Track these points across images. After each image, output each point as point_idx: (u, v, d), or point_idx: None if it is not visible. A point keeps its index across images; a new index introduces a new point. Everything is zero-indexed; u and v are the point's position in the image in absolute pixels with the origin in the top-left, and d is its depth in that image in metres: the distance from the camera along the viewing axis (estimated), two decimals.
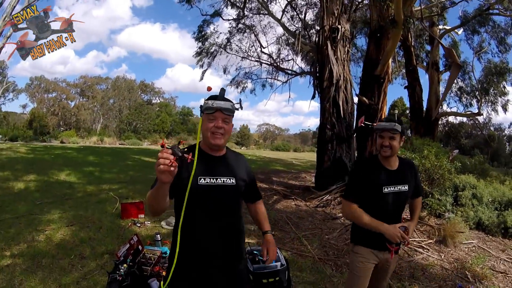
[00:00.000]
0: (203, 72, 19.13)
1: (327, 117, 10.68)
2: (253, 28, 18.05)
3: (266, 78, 19.38)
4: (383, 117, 9.83)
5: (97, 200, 8.13)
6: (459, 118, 29.90)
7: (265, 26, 18.26)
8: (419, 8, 13.03)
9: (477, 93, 19.39)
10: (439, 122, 18.99)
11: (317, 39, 12.13)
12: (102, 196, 8.55)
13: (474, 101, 20.25)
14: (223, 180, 2.15)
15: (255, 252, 3.35)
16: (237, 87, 19.77)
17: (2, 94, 51.22)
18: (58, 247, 5.12)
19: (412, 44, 16.72)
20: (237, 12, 17.57)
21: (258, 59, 18.63)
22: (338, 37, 10.91)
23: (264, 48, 18.52)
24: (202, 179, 2.08)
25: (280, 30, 17.77)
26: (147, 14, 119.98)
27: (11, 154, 15.72)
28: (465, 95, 20.84)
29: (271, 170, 17.80)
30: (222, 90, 2.15)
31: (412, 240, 6.16)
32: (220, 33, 18.48)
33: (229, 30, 18.22)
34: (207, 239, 2.10)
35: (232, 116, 2.15)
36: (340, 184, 9.64)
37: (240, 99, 2.18)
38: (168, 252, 4.69)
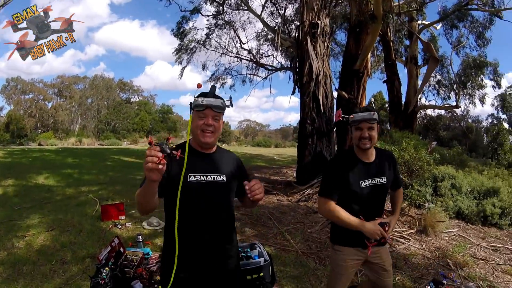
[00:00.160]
0: (182, 69, 19.00)
1: (307, 112, 10.73)
2: (233, 24, 18.00)
3: (246, 74, 19.36)
4: None
5: (76, 203, 8.00)
6: (437, 111, 30.51)
7: (245, 21, 18.23)
8: (398, 3, 13.16)
9: (455, 86, 19.74)
10: (418, 115, 19.24)
11: (296, 35, 12.19)
12: (81, 199, 8.42)
13: (452, 94, 20.62)
14: (213, 177, 2.13)
15: (238, 249, 3.35)
16: (216, 83, 19.65)
17: None
18: (39, 253, 5.02)
19: (391, 39, 16.90)
20: (216, 9, 17.49)
21: (237, 55, 18.59)
22: (318, 33, 10.95)
23: (243, 44, 18.50)
24: (192, 176, 2.05)
25: (259, 25, 17.73)
26: (126, 11, 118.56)
27: None
28: (443, 89, 21.20)
29: (253, 166, 17.83)
30: (213, 87, 2.12)
31: (393, 231, 6.24)
32: (199, 29, 18.34)
33: (207, 26, 18.11)
34: (198, 237, 2.08)
35: (222, 113, 2.12)
36: (321, 178, 9.70)
37: (230, 96, 2.16)
38: (150, 253, 4.66)
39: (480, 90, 19.71)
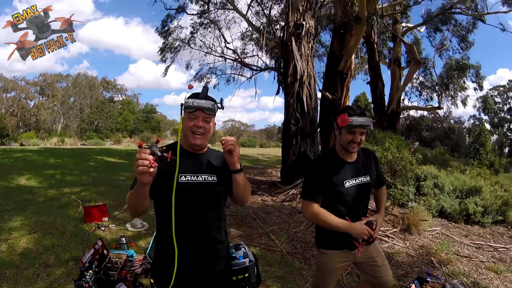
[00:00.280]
0: (167, 68, 18.94)
1: (291, 112, 10.79)
2: (218, 23, 17.96)
3: (231, 73, 19.37)
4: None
5: (59, 205, 7.87)
6: (420, 112, 30.83)
7: (230, 21, 18.22)
8: (384, 5, 13.29)
9: (437, 88, 20.02)
10: (401, 116, 19.45)
11: (281, 35, 12.22)
12: (64, 200, 8.29)
13: (434, 96, 20.92)
14: (204, 178, 2.13)
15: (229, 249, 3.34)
16: (200, 82, 19.62)
17: None
18: (22, 257, 4.93)
19: (375, 40, 17.07)
20: (201, 9, 17.42)
21: (222, 55, 18.56)
22: (303, 33, 11.01)
23: (228, 43, 18.49)
24: (183, 177, 2.05)
25: (244, 25, 17.75)
26: (110, 8, 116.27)
27: None
28: (426, 90, 21.51)
29: None
30: (205, 89, 2.12)
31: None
32: (184, 28, 18.27)
33: (192, 25, 18.04)
34: (190, 237, 2.07)
35: (213, 115, 2.11)
36: (304, 180, 9.76)
37: (221, 98, 2.15)
38: (134, 255, 4.64)
39: (462, 92, 20.02)
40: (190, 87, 2.02)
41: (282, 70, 12.04)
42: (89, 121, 55.84)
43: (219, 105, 2.11)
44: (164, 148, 1.70)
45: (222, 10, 17.71)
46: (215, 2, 17.30)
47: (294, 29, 11.08)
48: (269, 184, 11.30)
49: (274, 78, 15.00)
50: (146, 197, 1.83)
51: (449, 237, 6.59)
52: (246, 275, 3.32)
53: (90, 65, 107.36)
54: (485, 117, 55.45)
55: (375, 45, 16.76)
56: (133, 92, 78.94)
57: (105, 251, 4.20)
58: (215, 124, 2.20)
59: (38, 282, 4.21)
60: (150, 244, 4.28)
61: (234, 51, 18.70)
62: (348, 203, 2.64)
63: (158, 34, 17.98)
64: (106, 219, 6.67)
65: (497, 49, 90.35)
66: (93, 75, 62.10)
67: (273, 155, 28.58)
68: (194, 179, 2.08)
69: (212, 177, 2.15)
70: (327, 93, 10.14)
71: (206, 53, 18.59)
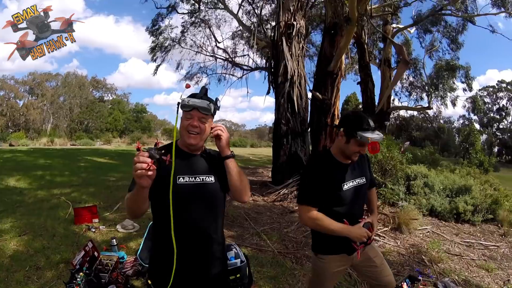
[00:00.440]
0: (157, 67, 18.89)
1: (282, 112, 10.81)
2: (208, 22, 17.96)
3: (222, 73, 19.33)
4: (336, 112, 10.00)
5: (49, 206, 7.78)
6: (410, 112, 31.08)
7: (220, 20, 18.26)
8: (374, 6, 13.37)
9: (427, 88, 20.18)
10: (391, 116, 19.57)
11: (272, 35, 12.23)
12: (54, 202, 8.19)
13: (424, 96, 21.11)
14: (202, 178, 2.11)
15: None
16: (191, 81, 19.60)
17: None
18: (12, 259, 4.86)
19: (366, 41, 17.19)
20: (192, 8, 17.41)
21: (213, 54, 18.57)
22: (293, 33, 11.04)
23: (219, 42, 18.50)
24: (181, 178, 2.04)
25: (235, 24, 17.80)
26: (101, 6, 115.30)
27: None
28: (415, 90, 21.69)
29: None
30: (203, 89, 2.11)
31: None
32: (175, 27, 18.31)
33: (183, 24, 18.04)
34: (189, 238, 2.06)
35: (209, 115, 2.07)
36: (296, 178, 9.80)
37: (217, 98, 2.14)
38: (125, 257, 4.61)
39: (452, 92, 20.20)
40: (188, 86, 2.02)
41: (272, 70, 12.04)
42: (79, 121, 55.47)
43: (214, 105, 2.09)
44: (162, 152, 1.68)
45: (213, 9, 17.72)
46: (206, 1, 17.30)
47: (285, 29, 11.11)
48: (260, 184, 11.31)
49: (265, 78, 15.01)
50: (145, 200, 1.83)
51: (440, 235, 6.66)
52: (238, 275, 3.34)
53: (80, 64, 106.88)
54: (475, 117, 56.11)
55: (365, 46, 16.88)
56: (123, 91, 78.57)
57: (95, 253, 4.16)
58: (214, 125, 2.17)
59: (29, 285, 4.15)
60: (141, 246, 4.27)
61: (225, 51, 18.70)
62: (346, 206, 2.60)
63: (149, 33, 18.01)
64: (96, 220, 6.59)
65: (487, 50, 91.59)
66: (83, 74, 61.57)
67: (264, 155, 28.58)
68: (192, 180, 2.07)
69: (210, 177, 2.14)
70: (318, 93, 10.17)
71: (197, 52, 18.61)
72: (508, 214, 7.54)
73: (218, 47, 18.61)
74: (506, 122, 58.55)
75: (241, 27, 17.04)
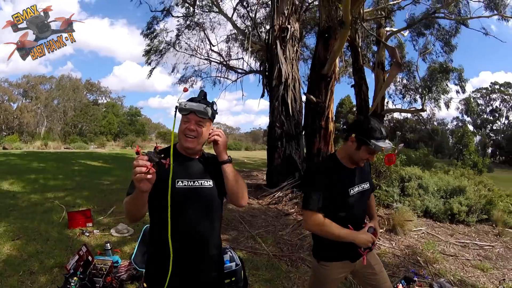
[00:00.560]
0: (151, 70, 18.89)
1: (276, 115, 10.83)
2: (203, 25, 17.99)
3: (216, 76, 19.35)
4: (330, 115, 10.03)
5: (43, 210, 7.72)
6: (404, 114, 31.21)
7: (215, 23, 18.29)
8: (368, 10, 13.42)
9: (420, 90, 20.27)
10: (385, 118, 19.67)
11: (267, 38, 12.26)
12: (47, 205, 8.14)
13: (418, 98, 21.20)
14: (201, 182, 2.11)
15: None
16: (186, 84, 19.69)
17: None
18: (5, 263, 4.83)
19: (360, 44, 17.22)
20: (186, 11, 17.43)
21: (207, 57, 18.60)
22: (288, 37, 11.07)
23: (213, 46, 18.53)
24: (180, 182, 2.03)
25: (230, 27, 17.81)
26: (96, 8, 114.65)
27: None
28: (409, 93, 21.79)
29: None
30: (201, 92, 2.11)
31: None
32: (170, 31, 18.25)
33: (178, 27, 18.05)
34: (185, 242, 2.05)
35: (206, 119, 2.07)
36: (291, 181, 9.83)
37: (213, 101, 2.12)
38: (119, 261, 4.59)
39: (445, 94, 20.31)
40: (185, 90, 2.03)
41: (267, 73, 12.08)
42: (73, 124, 55.24)
43: (209, 109, 2.07)
44: (162, 156, 1.68)
45: (208, 13, 17.77)
46: (200, 5, 17.33)
47: (279, 32, 11.14)
48: (254, 187, 11.29)
49: (259, 81, 15.01)
50: (145, 204, 1.82)
51: (435, 236, 6.70)
52: (233, 279, 3.33)
53: (75, 66, 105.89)
54: (468, 119, 56.48)
55: (359, 49, 16.88)
56: (118, 94, 78.46)
57: (89, 258, 4.15)
58: (213, 129, 2.15)
59: None
60: (135, 250, 4.26)
61: (219, 54, 18.73)
62: (351, 211, 2.56)
63: (144, 36, 17.97)
64: (90, 224, 6.55)
65: (480, 52, 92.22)
66: (77, 77, 61.33)
67: (258, 158, 28.62)
68: (190, 184, 2.07)
69: (208, 181, 2.14)
70: (312, 96, 10.20)
71: (191, 55, 18.60)
72: (502, 214, 7.59)
73: (212, 50, 18.67)
74: (499, 123, 59.03)
75: (235, 30, 17.06)
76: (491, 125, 59.63)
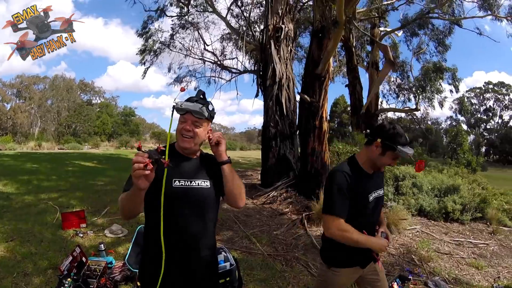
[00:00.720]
0: (146, 70, 18.85)
1: (270, 115, 10.84)
2: (197, 25, 17.98)
3: (210, 76, 19.32)
4: (324, 114, 10.03)
5: (36, 211, 7.66)
6: (397, 114, 31.31)
7: (209, 22, 18.29)
8: (362, 10, 13.46)
9: (414, 89, 20.37)
10: (379, 118, 19.75)
11: (261, 38, 12.25)
12: (41, 206, 8.07)
13: (412, 97, 21.32)
14: (198, 183, 2.10)
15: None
16: (180, 83, 19.63)
17: None
18: None
19: (354, 44, 17.33)
20: (180, 11, 17.41)
21: (201, 57, 18.58)
22: (282, 37, 11.08)
23: (208, 45, 18.53)
24: (177, 181, 2.03)
25: (224, 26, 17.78)
26: (90, 8, 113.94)
27: None
28: (403, 92, 21.89)
29: None
30: (199, 92, 2.10)
31: None
32: (164, 31, 18.24)
33: (172, 27, 18.04)
34: (179, 241, 2.04)
35: (204, 119, 2.05)
36: (286, 180, 9.84)
37: (209, 101, 2.11)
38: (113, 262, 4.57)
39: (439, 94, 20.42)
40: (182, 89, 2.00)
41: (261, 73, 12.07)
42: (67, 124, 54.91)
43: (204, 109, 2.04)
44: (162, 157, 1.67)
45: (202, 13, 17.77)
46: (195, 4, 17.30)
47: (273, 32, 11.14)
48: (249, 186, 11.27)
49: (254, 81, 15.03)
50: (141, 202, 1.82)
51: (429, 235, 6.73)
52: (228, 279, 3.33)
53: (68, 66, 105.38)
54: (462, 118, 56.78)
55: (353, 49, 17.02)
56: (112, 94, 78.11)
57: (83, 258, 4.13)
58: (211, 130, 2.15)
59: None
60: (129, 251, 4.24)
61: (213, 53, 18.73)
62: (368, 217, 2.56)
63: (138, 36, 17.94)
64: (84, 225, 6.50)
65: (474, 52, 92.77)
66: (71, 77, 60.88)
67: (253, 157, 28.67)
68: (187, 184, 2.06)
69: (206, 182, 2.13)
70: (306, 96, 10.19)
71: (186, 55, 18.58)
72: (496, 213, 7.65)
73: (206, 50, 18.66)
74: (493, 122, 59.39)
75: (230, 31, 17.06)
76: (484, 124, 60.03)
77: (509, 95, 57.28)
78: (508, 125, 58.19)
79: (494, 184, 11.45)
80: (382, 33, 18.27)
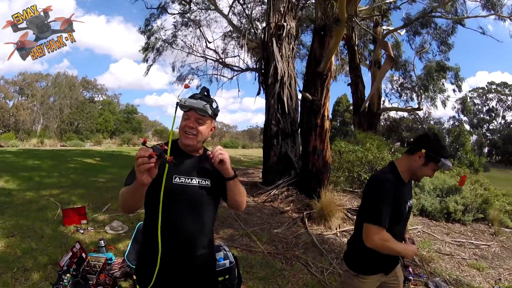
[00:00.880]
0: (148, 67, 18.86)
1: (272, 113, 10.82)
2: (199, 22, 17.96)
3: (212, 74, 19.33)
4: (325, 113, 9.99)
5: (37, 207, 7.67)
6: (400, 113, 31.26)
7: (211, 20, 18.28)
8: (364, 8, 13.42)
9: (417, 88, 20.33)
10: (381, 117, 19.75)
11: (263, 36, 12.23)
12: (42, 203, 8.08)
13: (414, 97, 21.28)
14: (198, 181, 2.09)
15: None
16: (182, 81, 19.65)
17: None
18: None
19: (356, 43, 17.29)
20: (182, 9, 17.41)
21: (203, 55, 18.57)
22: (284, 35, 11.05)
23: (209, 43, 18.51)
24: (177, 178, 2.02)
25: (226, 24, 17.78)
26: (92, 6, 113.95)
27: None
28: (405, 91, 21.85)
29: None
30: (203, 89, 2.09)
31: None
32: (168, 29, 18.24)
33: (174, 25, 18.03)
34: (177, 238, 2.04)
35: (207, 116, 2.05)
36: (287, 178, 9.81)
37: (213, 99, 2.10)
38: (113, 259, 4.57)
39: (441, 94, 20.38)
40: (186, 86, 1.99)
41: (263, 71, 12.06)
42: (69, 121, 54.99)
43: (210, 107, 2.05)
44: (166, 156, 1.67)
45: (204, 11, 17.75)
46: (196, 1, 17.30)
47: (275, 30, 11.11)
48: (250, 184, 11.27)
49: (256, 79, 15.02)
50: (142, 197, 1.84)
51: (431, 235, 6.71)
52: (227, 276, 3.31)
53: (71, 64, 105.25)
54: (465, 118, 56.64)
55: (356, 47, 16.99)
56: (114, 92, 78.06)
57: (83, 254, 4.13)
58: (214, 127, 2.16)
59: (16, 287, 4.11)
60: (129, 247, 4.23)
61: (215, 51, 18.72)
62: (402, 225, 2.58)
63: (141, 33, 17.98)
64: (84, 221, 6.51)
65: (476, 52, 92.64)
66: (73, 75, 61.21)
67: (255, 155, 28.66)
68: (188, 182, 2.05)
69: (206, 181, 2.12)
70: (307, 94, 10.16)
71: (188, 53, 18.59)
72: (498, 214, 7.63)
73: (208, 48, 18.65)
74: (496, 123, 59.25)
75: (232, 29, 17.05)
76: (487, 124, 59.91)
77: None
78: (511, 125, 58.11)
79: (496, 185, 11.44)
80: (384, 31, 18.23)
